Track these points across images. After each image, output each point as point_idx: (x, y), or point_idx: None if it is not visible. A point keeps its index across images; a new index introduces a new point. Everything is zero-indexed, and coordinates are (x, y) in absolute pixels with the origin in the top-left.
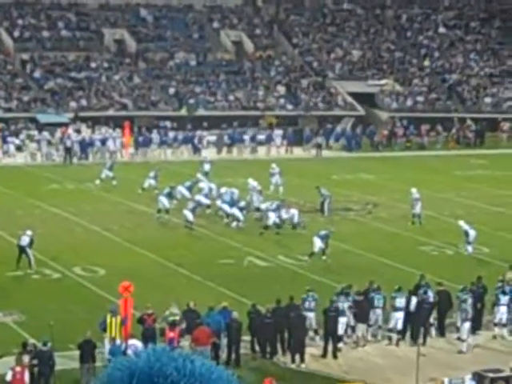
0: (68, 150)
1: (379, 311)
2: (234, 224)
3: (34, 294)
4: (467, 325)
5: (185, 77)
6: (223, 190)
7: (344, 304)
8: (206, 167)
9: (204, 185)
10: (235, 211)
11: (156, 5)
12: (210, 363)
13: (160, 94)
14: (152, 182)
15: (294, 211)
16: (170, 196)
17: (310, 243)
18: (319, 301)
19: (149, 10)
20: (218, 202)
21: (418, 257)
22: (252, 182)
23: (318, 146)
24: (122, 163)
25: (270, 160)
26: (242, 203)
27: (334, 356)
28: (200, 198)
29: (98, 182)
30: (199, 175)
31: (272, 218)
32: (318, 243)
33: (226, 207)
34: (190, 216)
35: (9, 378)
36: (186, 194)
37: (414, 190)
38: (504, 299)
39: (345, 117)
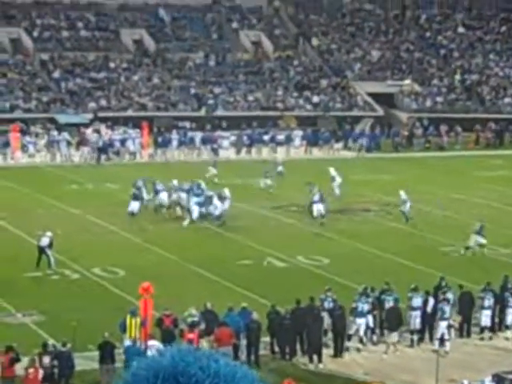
0: (100, 150)
1: None
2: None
3: (54, 295)
4: (444, 323)
5: (204, 77)
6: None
7: (364, 305)
8: (279, 168)
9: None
10: (195, 209)
11: (175, 5)
12: (235, 363)
13: (179, 94)
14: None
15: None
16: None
17: (329, 244)
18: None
19: (167, 10)
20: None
21: (437, 258)
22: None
23: (360, 147)
24: (142, 164)
25: (289, 160)
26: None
27: (338, 355)
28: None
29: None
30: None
31: (318, 209)
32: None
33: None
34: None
35: None
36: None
37: (402, 193)
38: None
39: (364, 117)
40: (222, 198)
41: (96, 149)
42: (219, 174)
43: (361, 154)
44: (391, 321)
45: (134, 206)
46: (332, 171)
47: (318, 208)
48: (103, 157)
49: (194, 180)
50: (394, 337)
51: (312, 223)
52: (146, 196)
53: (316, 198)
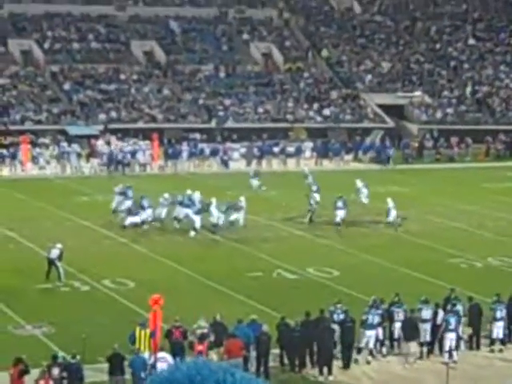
0: (119, 163)
1: (399, 324)
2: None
3: (64, 307)
4: (450, 335)
5: (214, 89)
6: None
7: (374, 317)
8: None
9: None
10: (196, 218)
11: (185, 17)
12: (250, 376)
13: (189, 106)
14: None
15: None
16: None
17: (339, 256)
18: (349, 313)
19: (178, 22)
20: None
21: (447, 270)
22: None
23: (388, 159)
24: (152, 175)
25: (299, 172)
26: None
27: (346, 366)
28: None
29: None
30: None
31: (340, 215)
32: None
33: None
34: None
35: None
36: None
37: (389, 200)
38: None
39: (374, 129)
40: (237, 208)
41: (115, 161)
42: (230, 186)
43: (391, 165)
44: (407, 331)
45: (135, 219)
46: (358, 183)
47: (339, 214)
48: (112, 168)
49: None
50: (412, 347)
51: (322, 235)
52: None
53: (340, 204)
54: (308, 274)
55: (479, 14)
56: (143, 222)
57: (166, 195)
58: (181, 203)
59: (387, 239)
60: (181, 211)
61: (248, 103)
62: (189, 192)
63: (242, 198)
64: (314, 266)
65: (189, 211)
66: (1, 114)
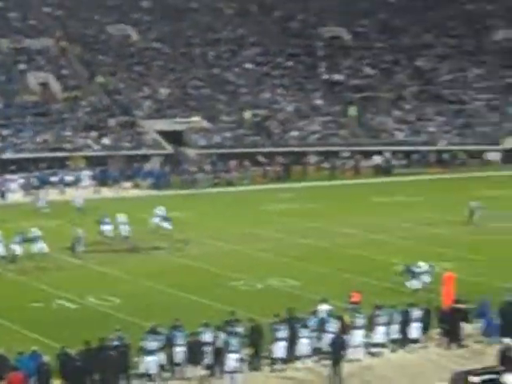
0: None
1: (180, 349)
2: None
3: None
4: (233, 356)
5: None
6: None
7: (152, 343)
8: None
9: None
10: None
11: None
12: None
13: None
14: None
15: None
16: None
17: (119, 283)
18: (127, 340)
19: None
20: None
21: (227, 292)
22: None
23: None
24: None
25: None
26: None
27: None
28: None
29: None
30: None
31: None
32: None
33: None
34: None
35: None
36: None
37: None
38: (305, 332)
39: (153, 155)
40: (32, 239)
41: None
42: (9, 218)
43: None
44: (192, 355)
45: None
46: (161, 210)
47: (106, 229)
48: None
49: None
50: (197, 371)
51: (101, 263)
52: None
53: (106, 219)
54: (89, 302)
55: (256, 38)
56: None
57: None
58: None
59: (167, 265)
60: None
61: (25, 133)
62: None
63: (34, 229)
64: (94, 295)
65: None
66: None
